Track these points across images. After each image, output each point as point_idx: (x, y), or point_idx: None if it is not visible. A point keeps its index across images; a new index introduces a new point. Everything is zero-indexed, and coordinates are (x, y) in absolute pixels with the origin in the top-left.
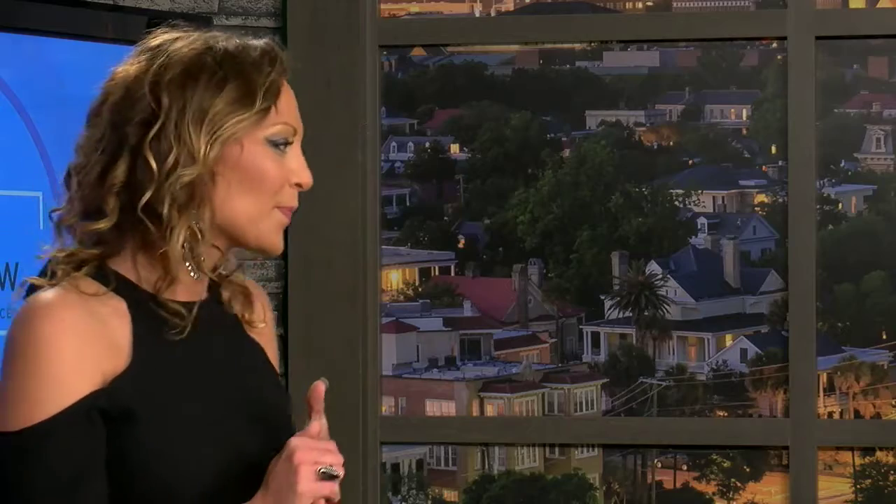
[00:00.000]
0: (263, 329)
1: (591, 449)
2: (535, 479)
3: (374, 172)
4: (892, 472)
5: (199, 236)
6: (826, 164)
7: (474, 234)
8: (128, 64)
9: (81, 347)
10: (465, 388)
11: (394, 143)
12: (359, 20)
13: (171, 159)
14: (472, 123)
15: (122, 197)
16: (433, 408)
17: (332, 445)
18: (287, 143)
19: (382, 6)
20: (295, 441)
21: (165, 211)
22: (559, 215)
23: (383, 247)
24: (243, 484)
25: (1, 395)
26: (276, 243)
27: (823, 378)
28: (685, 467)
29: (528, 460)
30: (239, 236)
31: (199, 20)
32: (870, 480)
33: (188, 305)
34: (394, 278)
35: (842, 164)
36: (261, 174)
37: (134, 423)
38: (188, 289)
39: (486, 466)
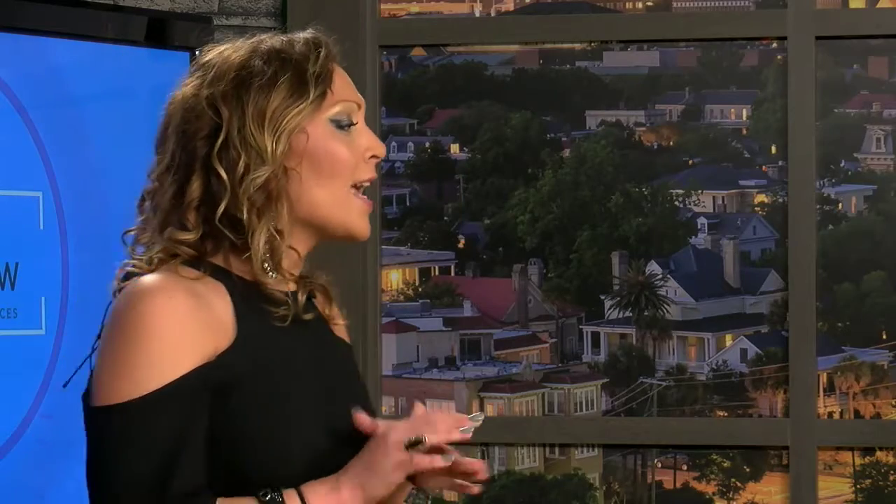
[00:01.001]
0: (341, 328)
1: (591, 449)
2: (535, 479)
3: None
4: (892, 472)
5: (278, 237)
6: (826, 164)
7: (474, 234)
8: (183, 86)
9: (186, 326)
10: (465, 388)
11: (394, 143)
12: (359, 20)
13: (241, 166)
14: (472, 123)
15: (202, 211)
16: (433, 408)
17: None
18: (351, 124)
19: (382, 6)
20: (385, 423)
21: (245, 216)
22: (559, 215)
23: (383, 247)
24: (339, 456)
25: (106, 371)
26: (363, 227)
27: (823, 378)
28: (685, 467)
29: (528, 460)
30: (324, 225)
31: (199, 20)
32: (870, 480)
33: (287, 294)
34: (394, 278)
35: (842, 164)
36: (332, 156)
37: (241, 395)
38: (280, 281)
39: (486, 466)
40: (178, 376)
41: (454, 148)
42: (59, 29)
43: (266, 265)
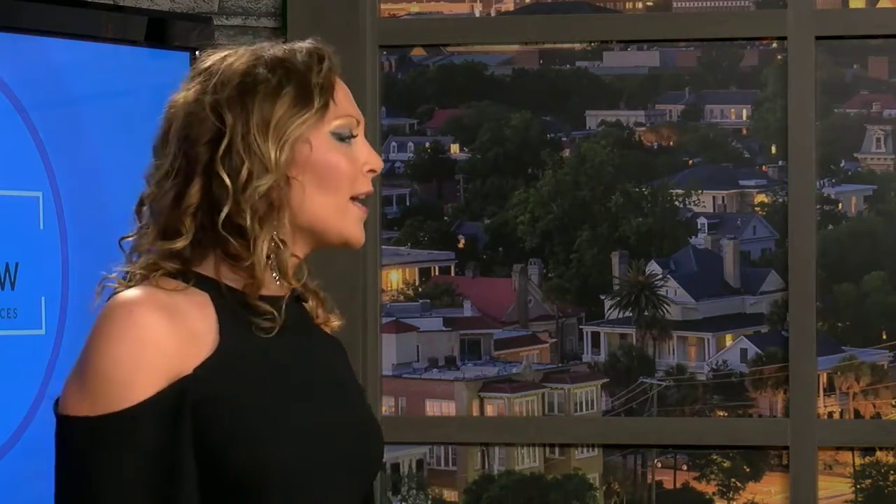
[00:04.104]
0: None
1: (591, 449)
2: (535, 479)
3: None
4: (892, 472)
5: (282, 245)
6: (826, 164)
7: (474, 234)
8: (183, 90)
9: (158, 344)
10: (465, 388)
11: (394, 143)
12: (359, 20)
13: (244, 173)
14: (472, 123)
15: (200, 216)
16: (433, 408)
17: None
18: (352, 136)
19: (382, 6)
20: None
21: (248, 223)
22: (559, 215)
23: (383, 247)
24: (329, 463)
25: (76, 382)
26: (359, 235)
27: (823, 378)
28: (685, 467)
29: (528, 460)
30: (322, 234)
31: (199, 20)
32: (870, 480)
33: (275, 301)
34: (394, 278)
35: (842, 164)
36: (333, 169)
37: (221, 407)
38: (269, 286)
39: (486, 466)
40: (147, 397)
41: (454, 148)
42: (59, 29)
43: (274, 273)
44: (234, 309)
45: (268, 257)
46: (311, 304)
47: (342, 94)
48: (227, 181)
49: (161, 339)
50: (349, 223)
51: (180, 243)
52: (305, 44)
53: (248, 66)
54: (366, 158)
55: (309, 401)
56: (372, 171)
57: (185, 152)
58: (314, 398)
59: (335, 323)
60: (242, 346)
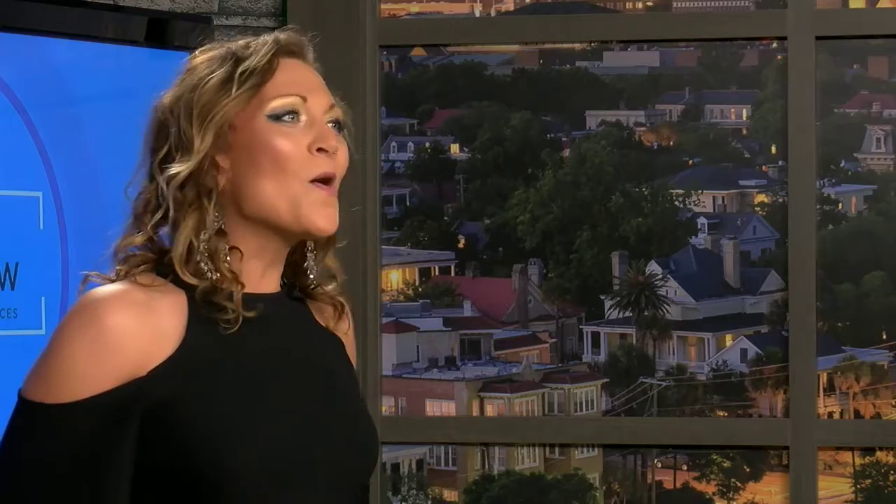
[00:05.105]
0: (347, 336)
1: (591, 449)
2: (535, 479)
3: (374, 172)
4: (892, 472)
5: (217, 235)
6: (826, 164)
7: (474, 234)
8: (160, 94)
9: (122, 341)
10: (465, 388)
11: (394, 143)
12: (359, 20)
13: (174, 166)
14: (472, 123)
15: (155, 216)
16: (433, 408)
17: None
18: (293, 113)
19: (382, 6)
20: None
21: (172, 213)
22: (559, 215)
23: (383, 247)
24: (303, 462)
25: (36, 366)
26: (322, 222)
27: (823, 378)
28: (685, 467)
29: (528, 460)
30: (279, 223)
31: (199, 20)
32: (870, 480)
33: (258, 299)
34: (394, 278)
35: (842, 164)
36: (272, 150)
37: (178, 408)
38: (255, 281)
39: (486, 466)
40: (94, 394)
41: (454, 148)
42: (59, 29)
43: (203, 265)
44: (206, 304)
45: (189, 250)
46: (323, 311)
47: (287, 75)
48: (160, 178)
49: (123, 339)
50: (306, 209)
51: (138, 239)
52: (270, 34)
53: (196, 64)
54: (313, 138)
55: (280, 399)
56: (322, 150)
57: (149, 154)
58: (288, 397)
59: (344, 329)
60: (209, 344)
